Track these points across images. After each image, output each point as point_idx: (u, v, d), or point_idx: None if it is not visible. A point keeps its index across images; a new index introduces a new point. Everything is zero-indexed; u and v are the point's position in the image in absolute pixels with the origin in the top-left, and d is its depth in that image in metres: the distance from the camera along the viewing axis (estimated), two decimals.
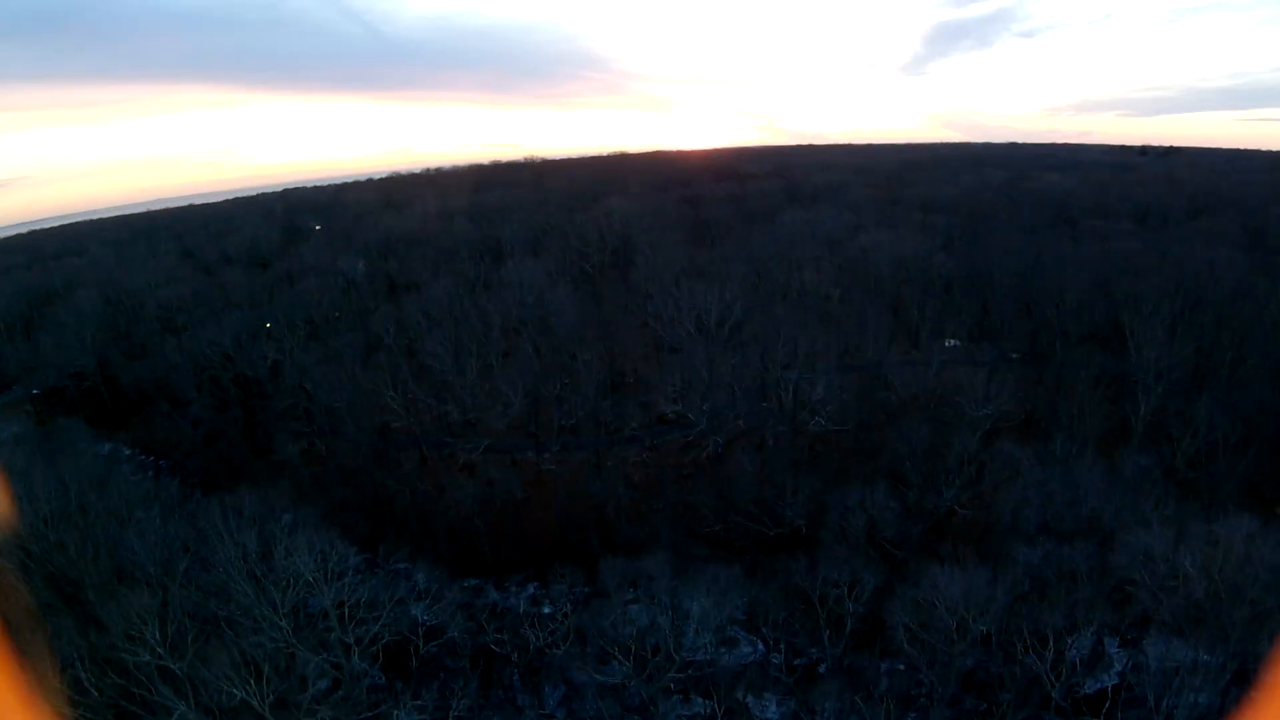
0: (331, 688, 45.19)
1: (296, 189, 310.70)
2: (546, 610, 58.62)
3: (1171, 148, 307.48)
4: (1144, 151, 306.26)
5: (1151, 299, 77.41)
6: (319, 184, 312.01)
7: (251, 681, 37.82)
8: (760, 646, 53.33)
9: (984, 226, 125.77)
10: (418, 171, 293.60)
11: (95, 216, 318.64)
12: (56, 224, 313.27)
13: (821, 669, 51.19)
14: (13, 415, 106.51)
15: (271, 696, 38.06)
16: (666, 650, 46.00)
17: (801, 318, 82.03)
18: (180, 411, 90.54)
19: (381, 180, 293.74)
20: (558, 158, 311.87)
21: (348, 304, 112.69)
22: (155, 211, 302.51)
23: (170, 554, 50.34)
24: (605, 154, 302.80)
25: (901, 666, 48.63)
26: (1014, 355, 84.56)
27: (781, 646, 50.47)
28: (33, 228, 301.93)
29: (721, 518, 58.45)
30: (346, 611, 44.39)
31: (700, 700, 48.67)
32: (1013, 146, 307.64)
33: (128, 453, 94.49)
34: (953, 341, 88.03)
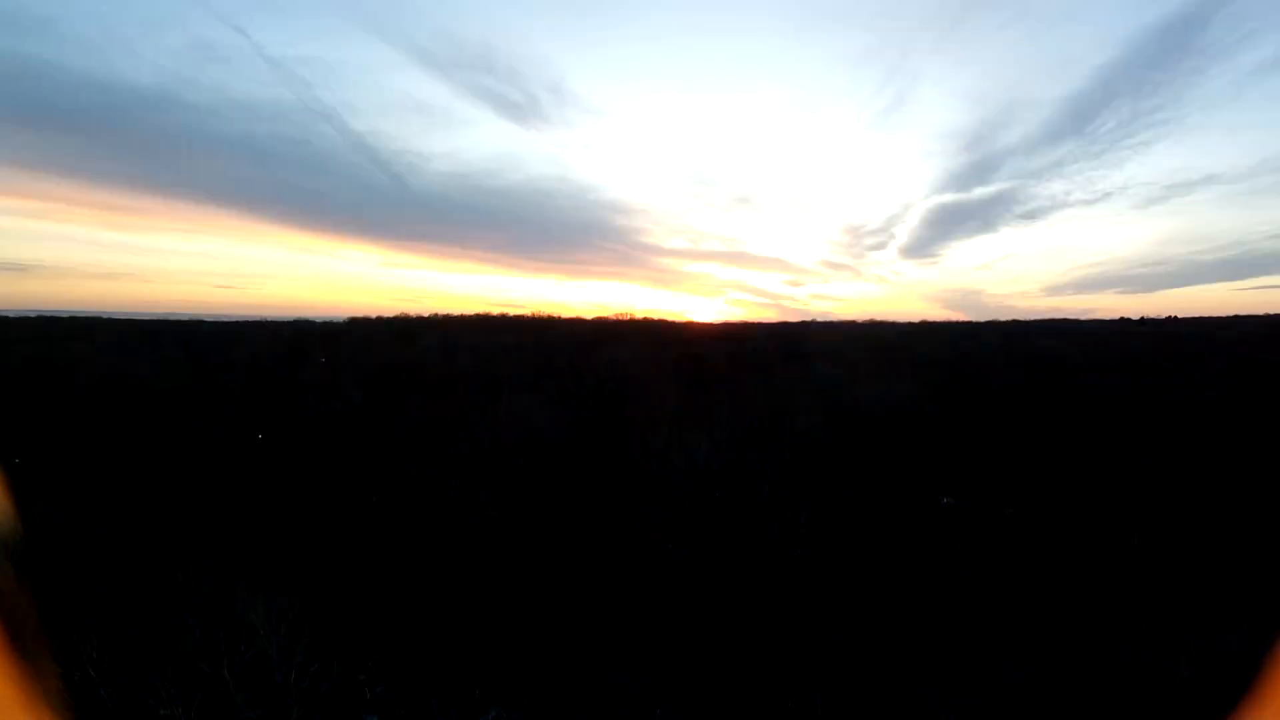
0: None
1: (307, 321, 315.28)
2: None
3: (1171, 317, 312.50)
4: (1142, 321, 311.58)
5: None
6: (331, 319, 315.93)
7: None
8: None
9: (979, 380, 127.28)
10: (426, 316, 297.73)
11: (108, 315, 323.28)
12: (69, 314, 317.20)
13: None
14: None
15: None
16: None
17: (791, 460, 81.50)
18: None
19: (391, 319, 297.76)
20: (565, 316, 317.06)
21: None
22: (168, 320, 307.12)
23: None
24: (610, 316, 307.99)
25: None
26: (1009, 510, 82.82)
27: None
28: (47, 315, 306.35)
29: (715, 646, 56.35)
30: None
31: None
32: (1015, 323, 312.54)
33: None
34: (948, 499, 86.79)
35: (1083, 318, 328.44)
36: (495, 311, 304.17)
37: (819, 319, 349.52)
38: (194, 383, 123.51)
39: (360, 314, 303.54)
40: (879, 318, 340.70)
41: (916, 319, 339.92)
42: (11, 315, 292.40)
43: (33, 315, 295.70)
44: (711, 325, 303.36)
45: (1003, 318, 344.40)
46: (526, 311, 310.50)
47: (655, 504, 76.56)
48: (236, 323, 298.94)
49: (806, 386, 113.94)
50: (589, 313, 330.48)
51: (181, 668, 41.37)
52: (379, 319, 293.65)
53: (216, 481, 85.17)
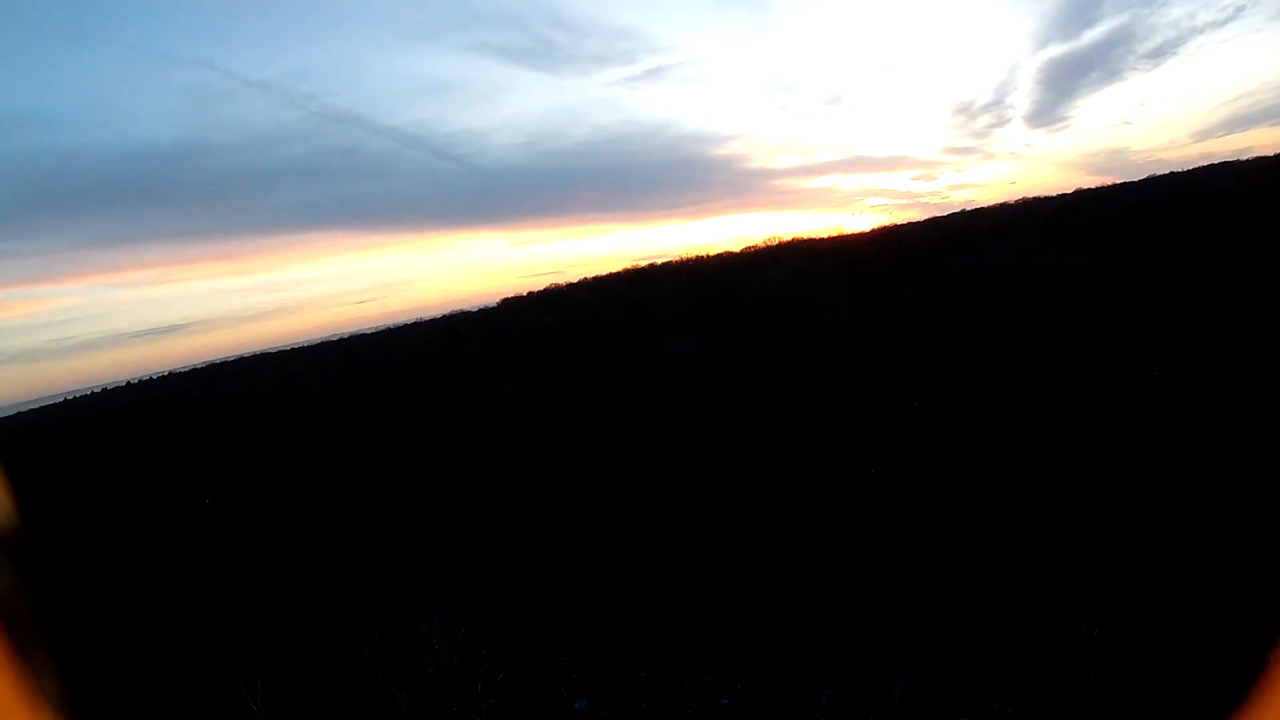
0: None
1: (461, 312, 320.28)
2: (725, 701, 49.71)
3: None
4: None
5: None
6: (485, 306, 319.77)
7: None
8: None
9: (1163, 229, 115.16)
10: (575, 282, 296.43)
11: (270, 350, 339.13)
12: (236, 358, 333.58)
13: None
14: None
15: None
16: None
17: (984, 349, 75.55)
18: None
19: (541, 290, 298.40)
20: (712, 254, 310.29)
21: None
22: (328, 342, 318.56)
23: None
24: (758, 244, 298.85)
25: None
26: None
27: None
28: (217, 363, 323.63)
29: (920, 582, 50.14)
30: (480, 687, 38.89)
31: None
32: (1172, 175, 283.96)
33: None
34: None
35: (1241, 158, 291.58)
36: (643, 263, 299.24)
37: (965, 209, 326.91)
38: (360, 388, 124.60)
39: (510, 294, 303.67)
40: (1028, 195, 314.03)
41: (1068, 190, 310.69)
42: (185, 369, 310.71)
43: (204, 365, 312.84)
44: (861, 234, 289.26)
45: (1158, 173, 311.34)
46: (674, 257, 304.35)
47: (845, 424, 70.77)
48: (395, 329, 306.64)
49: (980, 271, 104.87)
50: (734, 246, 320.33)
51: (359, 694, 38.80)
52: (529, 295, 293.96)
53: (378, 485, 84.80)
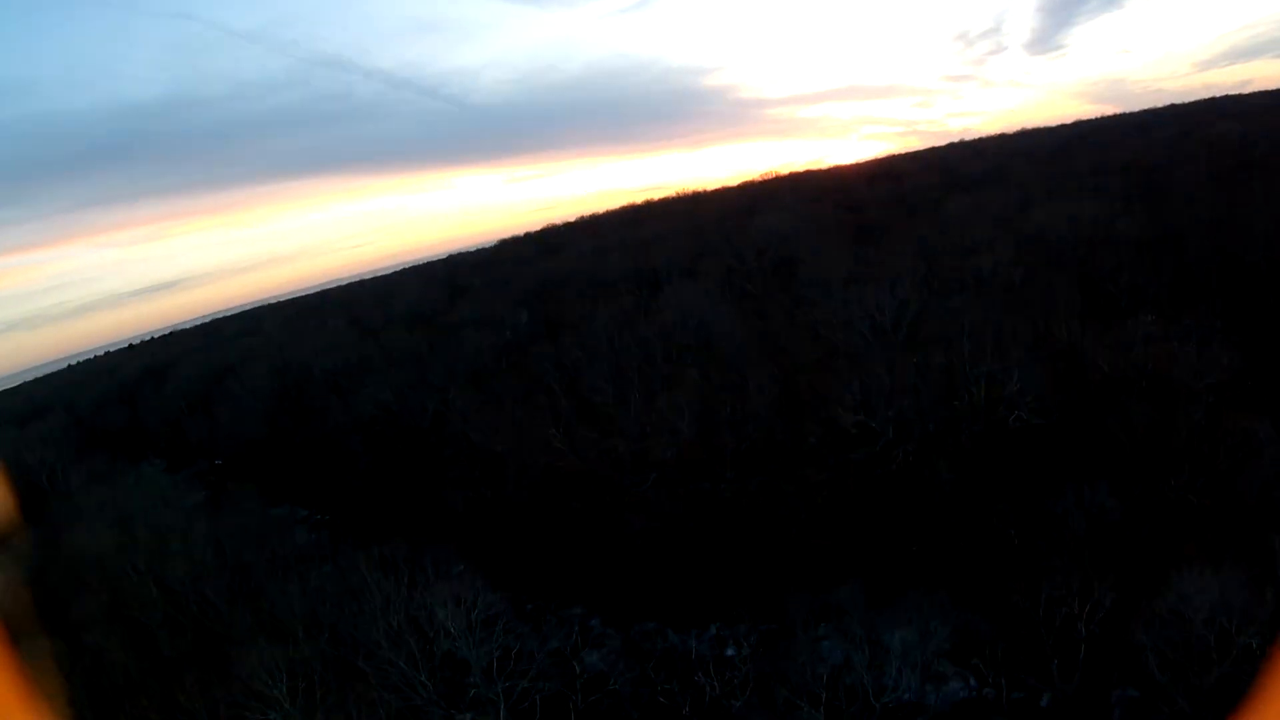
0: None
1: (459, 254, 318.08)
2: (730, 652, 52.71)
3: None
4: None
5: None
6: (481, 246, 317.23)
7: None
8: (973, 681, 45.21)
9: (1163, 182, 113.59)
10: (572, 220, 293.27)
11: (270, 301, 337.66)
12: (235, 312, 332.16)
13: (1044, 701, 42.83)
14: (193, 486, 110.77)
15: None
16: (864, 695, 40.14)
17: (984, 306, 74.39)
18: (349, 469, 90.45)
19: (538, 232, 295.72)
20: (710, 189, 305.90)
21: (507, 350, 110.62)
22: (327, 290, 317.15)
23: (315, 606, 49.18)
24: (755, 179, 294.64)
25: (1135, 694, 40.67)
26: (1218, 322, 71.17)
27: (1001, 681, 43.00)
28: (216, 317, 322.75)
29: (919, 535, 50.49)
30: (495, 664, 39.49)
31: None
32: (1172, 108, 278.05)
33: (303, 514, 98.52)
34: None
35: (1244, 90, 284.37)
36: (640, 200, 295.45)
37: (964, 138, 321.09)
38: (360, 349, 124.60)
39: (507, 234, 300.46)
40: (1027, 126, 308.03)
41: (1068, 120, 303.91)
42: (186, 326, 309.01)
43: (206, 320, 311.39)
44: (859, 165, 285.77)
45: (1158, 104, 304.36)
46: (671, 193, 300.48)
47: (845, 378, 70.67)
48: (395, 273, 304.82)
49: (981, 219, 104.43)
50: (731, 181, 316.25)
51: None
52: (526, 236, 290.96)
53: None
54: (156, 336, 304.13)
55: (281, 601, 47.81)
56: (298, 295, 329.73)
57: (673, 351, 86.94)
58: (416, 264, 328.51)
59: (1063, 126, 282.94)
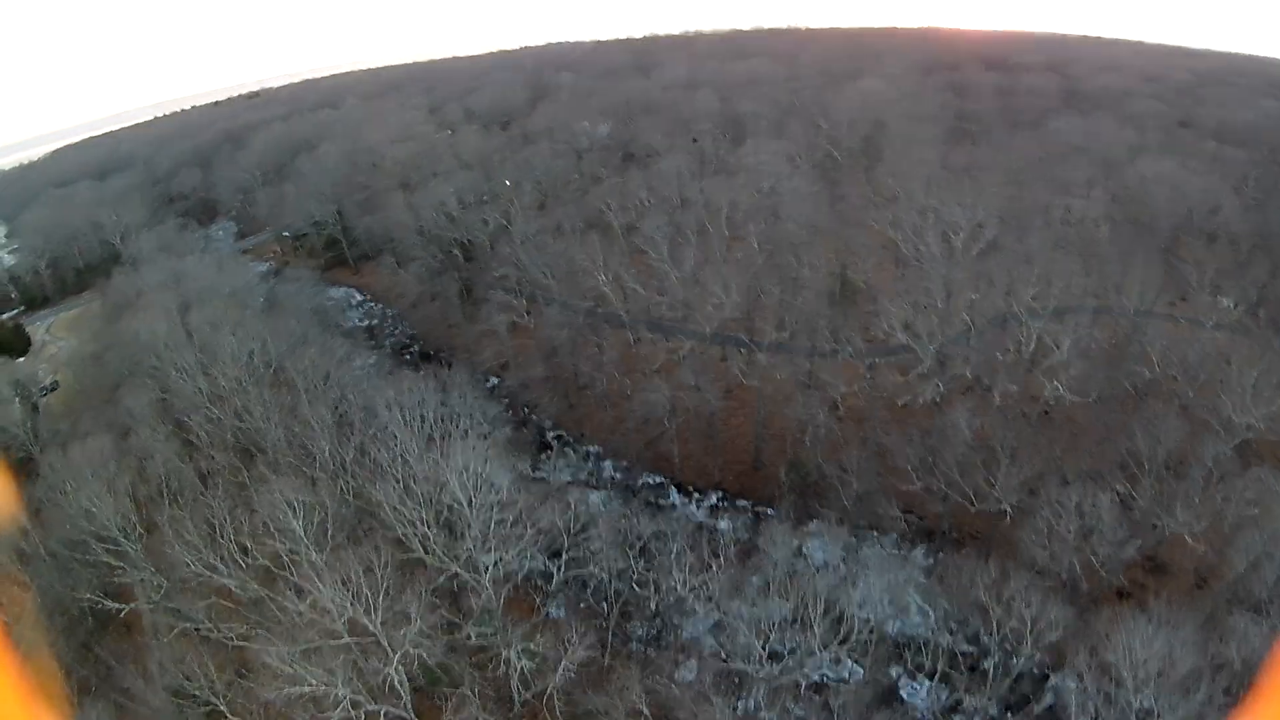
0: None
1: (555, 44, 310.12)
2: (723, 525, 56.37)
3: None
4: None
5: None
6: (578, 40, 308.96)
7: (367, 593, 36.46)
8: (933, 620, 46.79)
9: None
10: (675, 34, 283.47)
11: (357, 68, 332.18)
12: (324, 76, 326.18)
13: (986, 664, 43.50)
14: (261, 255, 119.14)
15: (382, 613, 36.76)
16: (837, 607, 41.38)
17: (1060, 252, 72.55)
18: (405, 265, 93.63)
19: (639, 40, 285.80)
20: (821, 27, 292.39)
21: (578, 171, 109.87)
22: (411, 65, 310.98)
23: (342, 431, 51.65)
24: (874, 28, 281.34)
25: None
26: None
27: (955, 631, 45.31)
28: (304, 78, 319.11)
29: (923, 477, 50.98)
30: (492, 528, 41.37)
31: (850, 663, 44.30)
32: None
33: (358, 298, 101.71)
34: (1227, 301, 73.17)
35: None
36: (749, 26, 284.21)
37: (1100, 34, 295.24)
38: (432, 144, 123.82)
39: (604, 37, 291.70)
40: (1186, 45, 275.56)
41: (1213, 49, 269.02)
42: (274, 85, 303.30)
43: (296, 82, 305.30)
44: (980, 39, 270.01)
45: None
46: (782, 24, 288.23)
47: (901, 291, 69.64)
48: (485, 55, 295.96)
49: (1085, 155, 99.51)
50: (846, 24, 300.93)
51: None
52: (626, 40, 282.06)
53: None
54: (244, 94, 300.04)
55: (311, 429, 50.40)
56: (389, 66, 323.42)
57: (738, 215, 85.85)
58: (510, 50, 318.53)
59: (1202, 52, 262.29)
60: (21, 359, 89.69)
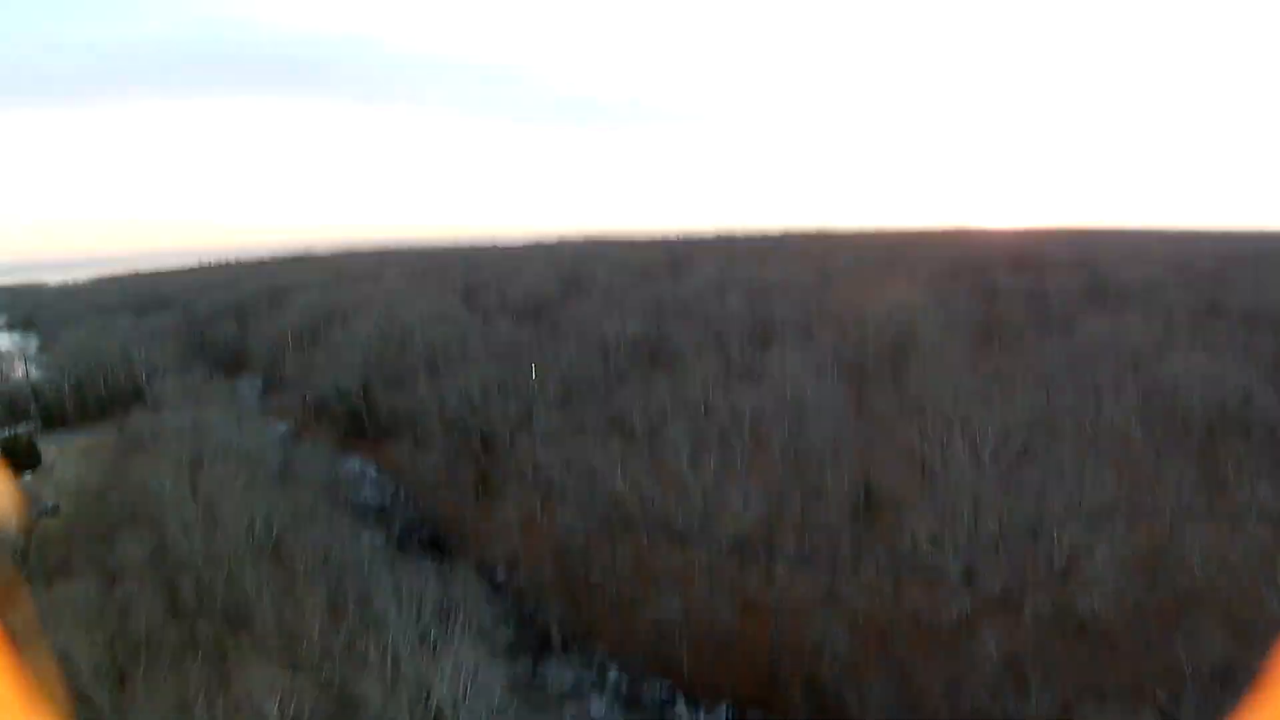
0: None
1: (592, 239, 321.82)
2: None
3: None
4: None
5: None
6: (613, 236, 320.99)
7: None
8: None
9: None
10: (708, 233, 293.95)
11: (406, 247, 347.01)
12: (369, 250, 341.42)
13: None
14: (283, 416, 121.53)
15: None
16: None
17: (1092, 457, 70.27)
18: (423, 447, 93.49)
19: (673, 240, 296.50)
20: (853, 230, 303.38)
21: (604, 370, 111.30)
22: (452, 249, 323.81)
23: (334, 615, 49.66)
24: (905, 230, 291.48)
25: None
26: None
27: None
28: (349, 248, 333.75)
29: (949, 699, 47.99)
30: None
31: None
32: None
33: (373, 474, 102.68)
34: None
35: None
36: (778, 232, 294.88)
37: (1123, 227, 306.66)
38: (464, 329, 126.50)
39: (638, 231, 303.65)
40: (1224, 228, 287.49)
41: (1239, 230, 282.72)
42: (320, 253, 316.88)
43: (341, 253, 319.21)
44: (1009, 239, 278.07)
45: None
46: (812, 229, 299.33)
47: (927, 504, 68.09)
48: (523, 247, 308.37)
49: (1114, 353, 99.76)
50: (885, 228, 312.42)
51: None
52: (660, 240, 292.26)
53: None
54: (289, 257, 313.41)
55: (302, 612, 48.61)
56: (432, 246, 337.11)
57: (762, 423, 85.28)
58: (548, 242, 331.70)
59: (1227, 236, 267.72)
60: (29, 475, 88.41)
